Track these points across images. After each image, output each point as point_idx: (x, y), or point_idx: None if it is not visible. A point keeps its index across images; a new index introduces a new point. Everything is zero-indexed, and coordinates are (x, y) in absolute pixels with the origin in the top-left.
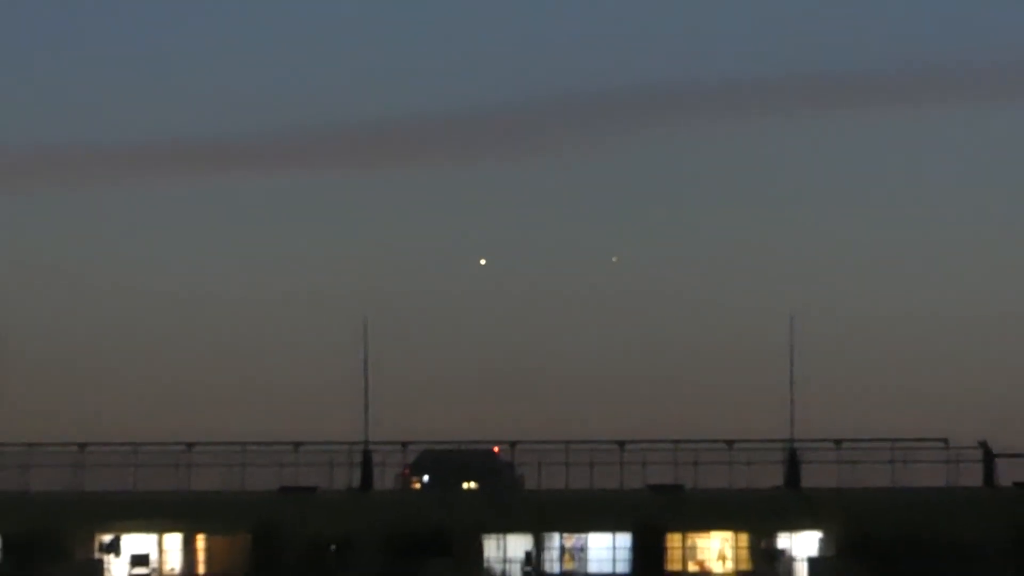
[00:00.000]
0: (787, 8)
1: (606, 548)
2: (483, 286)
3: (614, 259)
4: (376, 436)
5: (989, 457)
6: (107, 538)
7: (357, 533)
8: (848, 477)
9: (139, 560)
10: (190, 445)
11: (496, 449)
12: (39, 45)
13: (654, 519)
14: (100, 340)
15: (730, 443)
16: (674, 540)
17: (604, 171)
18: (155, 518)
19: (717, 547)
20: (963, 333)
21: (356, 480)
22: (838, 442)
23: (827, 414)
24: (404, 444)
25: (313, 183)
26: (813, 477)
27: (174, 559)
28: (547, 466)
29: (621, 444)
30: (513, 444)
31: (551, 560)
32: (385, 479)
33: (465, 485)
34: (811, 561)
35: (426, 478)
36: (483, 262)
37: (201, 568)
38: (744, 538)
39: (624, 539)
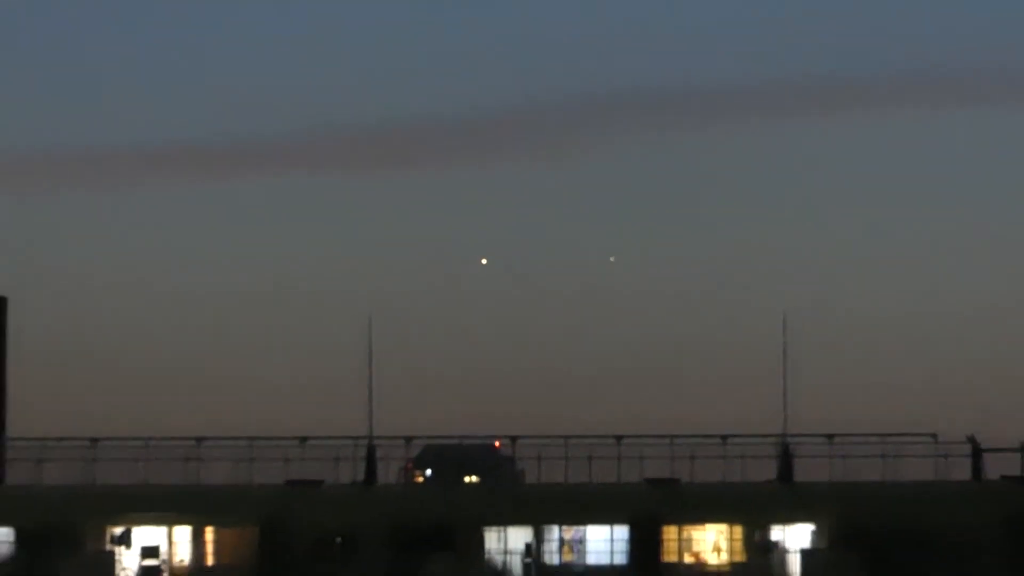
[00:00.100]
0: (783, 12)
1: (604, 540)
2: (484, 285)
3: (612, 259)
4: (380, 431)
5: (977, 451)
6: (118, 530)
7: (362, 526)
8: (840, 471)
9: (149, 552)
10: (199, 440)
11: (497, 444)
12: (53, 49)
13: (651, 512)
14: (111, 338)
15: (725, 438)
16: (670, 532)
17: (602, 173)
18: (165, 511)
19: (712, 539)
20: (952, 331)
21: (361, 474)
22: (830, 437)
23: (819, 409)
24: (407, 439)
25: (318, 184)
26: (806, 471)
27: (183, 551)
28: (546, 460)
29: (618, 439)
30: (513, 439)
31: (550, 552)
32: (389, 473)
33: (467, 479)
34: (804, 553)
35: (428, 472)
36: (484, 261)
37: (210, 560)
38: (738, 530)
39: (622, 531)
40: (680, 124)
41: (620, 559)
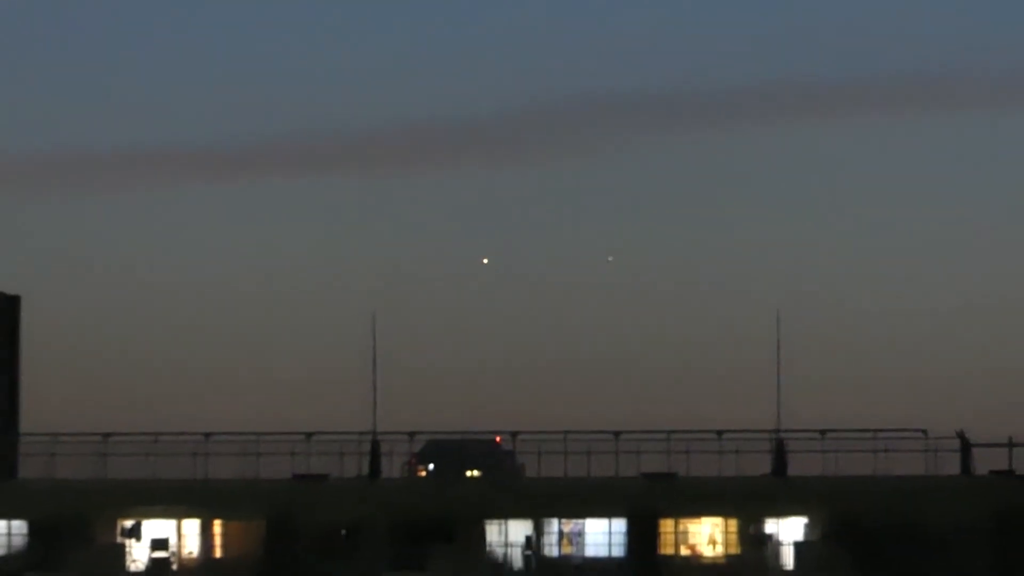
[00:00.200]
0: (780, 16)
1: (602, 533)
2: (485, 284)
3: (610, 258)
4: (384, 426)
5: (966, 446)
6: (128, 523)
7: (366, 518)
8: (832, 465)
9: (159, 544)
10: (208, 435)
11: (498, 439)
12: (68, 53)
13: (648, 505)
14: (122, 336)
15: (720, 433)
16: (667, 525)
17: (600, 174)
18: (174, 504)
19: (708, 532)
20: (941, 330)
21: (365, 468)
22: (823, 432)
23: (812, 406)
24: (410, 434)
25: (325, 186)
26: (799, 465)
27: (192, 543)
28: (546, 455)
29: (616, 434)
30: (514, 434)
31: (550, 545)
32: (392, 467)
33: (468, 473)
34: (797, 545)
35: (431, 466)
36: (485, 261)
37: (218, 552)
38: (733, 523)
39: (620, 524)
40: (678, 126)
41: (618, 551)
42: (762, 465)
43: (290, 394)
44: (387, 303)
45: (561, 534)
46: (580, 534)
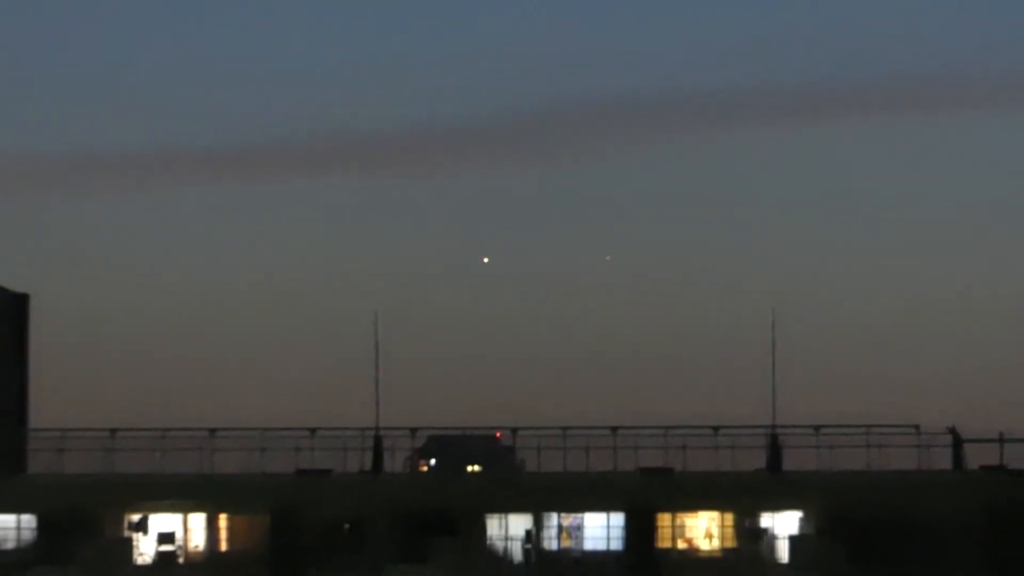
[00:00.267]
0: (779, 17)
1: (601, 527)
2: (486, 282)
3: (608, 258)
4: (386, 422)
5: (958, 442)
6: (136, 517)
7: (369, 513)
8: (826, 461)
9: (165, 538)
10: (213, 431)
11: (498, 434)
12: (77, 54)
13: (645, 500)
14: (129, 333)
15: (716, 429)
16: (664, 520)
17: (599, 175)
18: (180, 499)
19: (704, 526)
20: (933, 327)
21: (368, 463)
22: (817, 428)
23: (807, 402)
24: (412, 430)
25: (329, 187)
26: (794, 461)
27: (198, 537)
28: (546, 450)
29: (614, 430)
30: (514, 430)
31: (549, 538)
32: (395, 462)
33: (469, 468)
34: (792, 539)
35: (433, 461)
36: (486, 260)
37: (223, 546)
38: (729, 518)
39: (618, 519)
40: (677, 126)
41: (616, 545)
42: (757, 460)
43: (294, 391)
44: (389, 302)
45: (560, 528)
46: (579, 528)
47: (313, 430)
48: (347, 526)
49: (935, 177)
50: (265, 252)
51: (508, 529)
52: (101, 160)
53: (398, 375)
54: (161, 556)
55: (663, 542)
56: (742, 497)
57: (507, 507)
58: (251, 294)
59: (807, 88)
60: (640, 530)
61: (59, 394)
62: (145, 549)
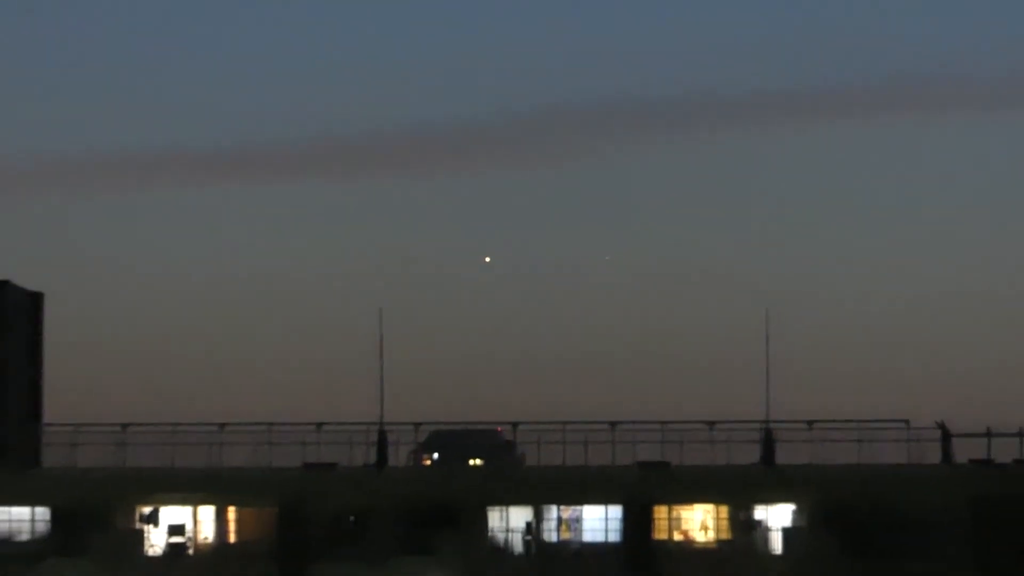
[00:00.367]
0: (780, 20)
1: (599, 519)
2: (487, 281)
3: (607, 257)
4: (390, 417)
5: (946, 436)
6: (147, 510)
7: (373, 505)
8: (819, 455)
9: (176, 530)
10: (222, 425)
11: (499, 429)
12: (86, 56)
13: (643, 493)
14: (141, 330)
15: (711, 424)
16: (661, 512)
17: (599, 175)
18: (190, 492)
19: (700, 518)
20: (924, 325)
21: (372, 457)
22: (810, 423)
23: (799, 398)
24: (416, 425)
25: (335, 187)
26: (787, 455)
27: (207, 529)
28: (545, 444)
29: (613, 424)
30: (515, 424)
31: (549, 530)
32: (399, 456)
33: (471, 462)
34: (785, 531)
35: (436, 455)
36: (487, 259)
37: (232, 537)
38: (724, 510)
39: (615, 511)
40: (677, 127)
41: (614, 537)
42: (752, 454)
43: (300, 387)
44: (393, 300)
45: (560, 520)
46: (578, 520)
47: (319, 425)
48: (352, 518)
49: (935, 177)
50: (270, 251)
51: (509, 521)
52: (113, 162)
53: (402, 372)
54: (171, 547)
55: (660, 534)
56: (737, 490)
57: (508, 500)
58: (258, 293)
59: (807, 89)
60: (637, 522)
61: (73, 389)
62: (156, 541)
